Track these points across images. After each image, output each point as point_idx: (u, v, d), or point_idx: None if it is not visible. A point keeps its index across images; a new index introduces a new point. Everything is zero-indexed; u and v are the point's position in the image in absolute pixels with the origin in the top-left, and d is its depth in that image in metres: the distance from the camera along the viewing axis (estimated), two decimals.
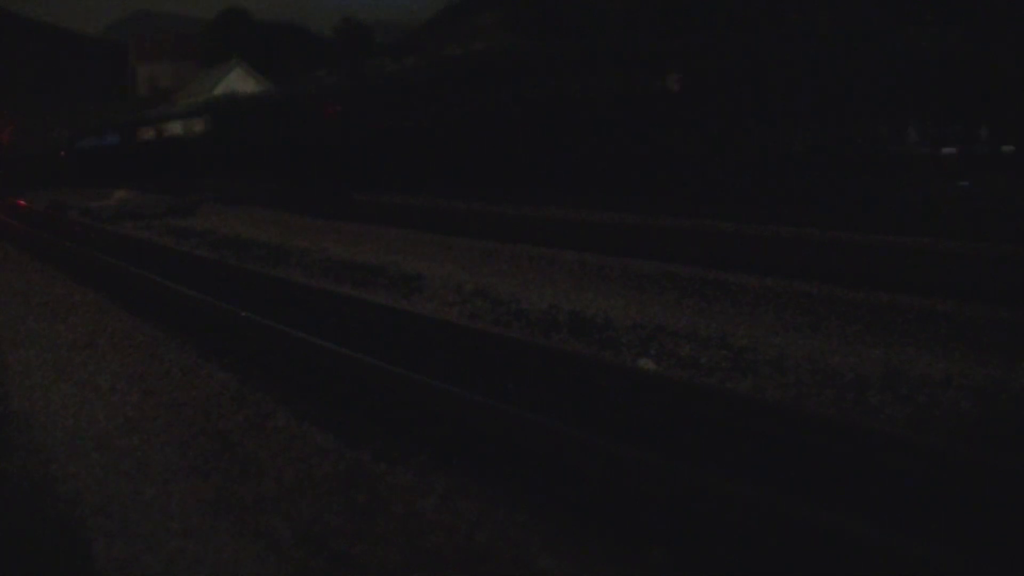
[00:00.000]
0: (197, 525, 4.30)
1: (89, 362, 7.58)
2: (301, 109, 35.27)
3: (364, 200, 23.05)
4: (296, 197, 25.00)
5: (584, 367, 6.32)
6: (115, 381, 6.92)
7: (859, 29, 16.38)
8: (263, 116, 37.37)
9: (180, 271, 12.15)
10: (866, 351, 7.28)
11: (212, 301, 9.06)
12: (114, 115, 54.90)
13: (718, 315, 8.88)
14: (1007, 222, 11.80)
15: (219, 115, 42.67)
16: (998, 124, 15.99)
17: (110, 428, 5.80)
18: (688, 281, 10.34)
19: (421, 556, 3.88)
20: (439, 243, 14.70)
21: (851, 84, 16.46)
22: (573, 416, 5.38)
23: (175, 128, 47.59)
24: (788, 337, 7.85)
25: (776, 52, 17.54)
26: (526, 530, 4.06)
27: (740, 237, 13.09)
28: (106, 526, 4.32)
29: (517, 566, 3.77)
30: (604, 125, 20.62)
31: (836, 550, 3.54)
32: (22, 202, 32.09)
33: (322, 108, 32.33)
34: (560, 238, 14.14)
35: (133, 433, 5.66)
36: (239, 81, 53.29)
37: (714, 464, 4.60)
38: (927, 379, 6.36)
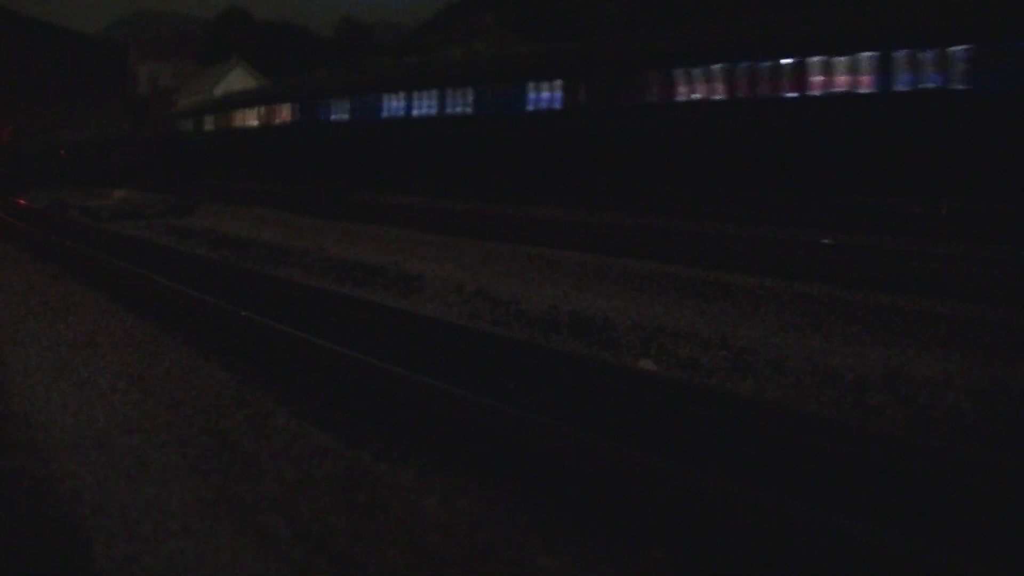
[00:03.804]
0: (197, 524, 4.30)
1: (89, 361, 7.58)
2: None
3: (364, 200, 23.04)
4: (301, 197, 24.94)
5: (584, 368, 6.31)
6: (115, 380, 6.91)
7: None
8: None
9: (180, 270, 12.15)
10: (866, 352, 7.28)
11: (212, 300, 9.06)
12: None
13: (718, 315, 8.88)
14: None
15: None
16: None
17: (110, 427, 5.79)
18: (688, 281, 10.34)
19: (421, 556, 3.87)
20: (439, 243, 14.70)
21: None
22: (573, 417, 5.38)
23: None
24: (788, 338, 7.85)
25: None
26: (527, 530, 4.06)
27: (740, 239, 13.10)
28: (106, 525, 4.32)
29: (517, 566, 3.77)
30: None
31: (835, 550, 3.54)
32: (22, 201, 32.08)
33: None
34: (560, 238, 14.14)
35: (133, 432, 5.66)
36: (239, 81, 53.28)
37: (714, 465, 4.60)
38: (927, 380, 6.36)
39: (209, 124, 44.41)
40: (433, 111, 26.56)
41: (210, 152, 42.54)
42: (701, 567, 3.76)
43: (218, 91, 52.35)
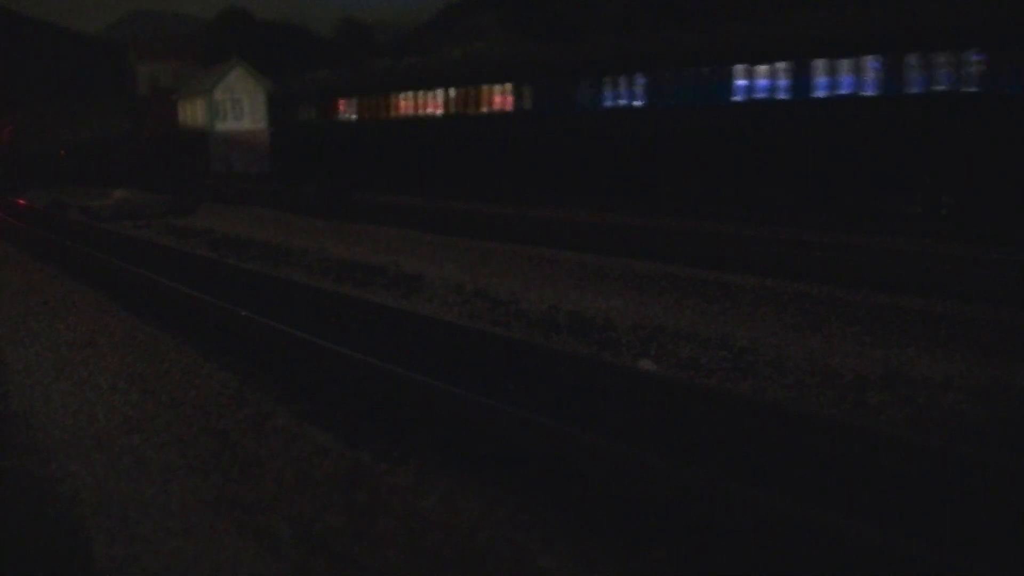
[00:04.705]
0: (197, 524, 4.29)
1: (89, 361, 7.57)
2: None
3: (364, 200, 23.02)
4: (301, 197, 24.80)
5: (584, 368, 6.31)
6: (115, 380, 6.91)
7: None
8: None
9: (180, 270, 12.15)
10: (866, 352, 7.27)
11: (212, 300, 9.06)
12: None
13: (718, 316, 8.88)
14: None
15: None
16: None
17: (110, 427, 5.79)
18: (688, 281, 10.34)
19: (422, 556, 3.87)
20: (439, 243, 14.69)
21: None
22: (574, 416, 5.37)
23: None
24: (788, 338, 7.85)
25: None
26: (527, 530, 4.06)
27: (740, 239, 13.10)
28: (106, 525, 4.32)
29: (518, 566, 3.76)
30: None
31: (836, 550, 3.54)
32: (22, 201, 32.06)
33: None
34: (560, 238, 14.13)
35: (133, 432, 5.66)
36: (239, 81, 53.27)
37: (714, 465, 4.60)
38: (927, 380, 6.36)
39: (350, 112, 31.67)
40: (868, 90, 16.48)
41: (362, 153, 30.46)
42: (701, 567, 3.76)
43: (218, 91, 52.26)
